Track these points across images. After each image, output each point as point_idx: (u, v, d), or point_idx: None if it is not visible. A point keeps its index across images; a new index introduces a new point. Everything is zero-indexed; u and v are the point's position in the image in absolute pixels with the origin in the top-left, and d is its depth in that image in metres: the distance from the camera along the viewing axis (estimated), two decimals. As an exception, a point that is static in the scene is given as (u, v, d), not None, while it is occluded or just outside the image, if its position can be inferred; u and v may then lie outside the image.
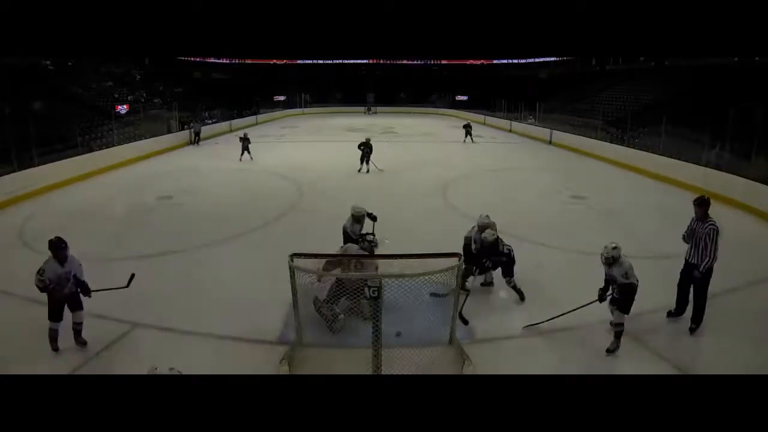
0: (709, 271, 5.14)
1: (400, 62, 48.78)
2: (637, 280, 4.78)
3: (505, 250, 5.81)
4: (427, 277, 4.17)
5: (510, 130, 27.47)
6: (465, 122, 23.32)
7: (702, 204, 5.19)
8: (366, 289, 3.94)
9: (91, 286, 4.95)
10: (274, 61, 45.90)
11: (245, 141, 16.69)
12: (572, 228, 9.03)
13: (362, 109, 42.63)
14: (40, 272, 4.59)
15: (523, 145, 22.44)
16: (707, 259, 5.07)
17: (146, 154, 17.73)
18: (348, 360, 4.56)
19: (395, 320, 4.61)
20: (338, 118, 37.06)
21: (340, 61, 47.01)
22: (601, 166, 16.51)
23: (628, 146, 16.68)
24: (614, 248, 4.74)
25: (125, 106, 21.82)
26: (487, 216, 6.13)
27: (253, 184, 13.32)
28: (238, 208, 10.58)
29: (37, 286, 4.63)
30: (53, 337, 4.79)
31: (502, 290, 6.13)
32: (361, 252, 5.60)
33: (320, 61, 47.43)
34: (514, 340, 5.15)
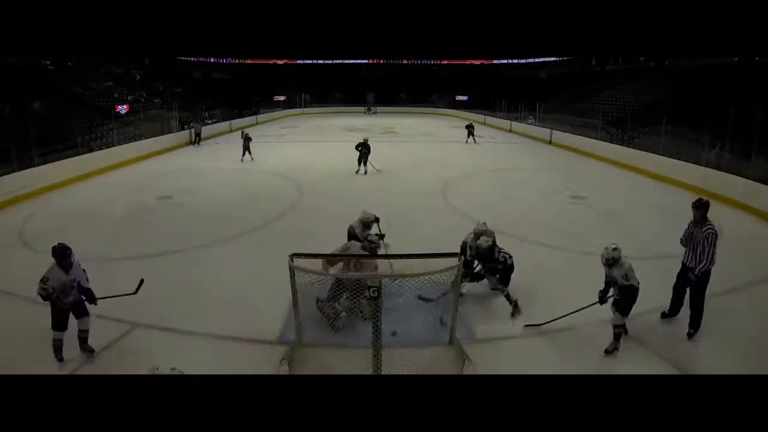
0: (706, 276, 5.05)
1: (400, 62, 48.77)
2: (638, 282, 4.76)
3: (501, 258, 5.72)
4: (426, 278, 4.16)
5: (510, 130, 27.47)
6: (467, 122, 23.34)
7: (701, 207, 5.08)
8: (366, 289, 3.94)
9: (91, 287, 4.79)
10: (274, 61, 45.92)
11: (247, 140, 16.70)
12: (572, 228, 9.02)
13: (362, 109, 42.61)
14: (44, 280, 4.31)
15: (523, 145, 22.44)
16: (704, 262, 4.99)
17: (146, 154, 17.74)
18: (348, 360, 4.56)
19: (394, 320, 4.61)
20: (338, 118, 37.04)
21: (340, 61, 47.02)
22: (601, 166, 16.51)
23: (628, 146, 16.69)
24: (614, 249, 4.72)
25: (125, 106, 21.83)
26: (485, 223, 6.14)
27: (253, 184, 13.32)
28: (238, 208, 10.58)
29: (40, 295, 4.34)
30: (57, 347, 4.56)
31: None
32: (362, 252, 5.60)
33: (320, 61, 47.44)
34: (514, 340, 5.15)
